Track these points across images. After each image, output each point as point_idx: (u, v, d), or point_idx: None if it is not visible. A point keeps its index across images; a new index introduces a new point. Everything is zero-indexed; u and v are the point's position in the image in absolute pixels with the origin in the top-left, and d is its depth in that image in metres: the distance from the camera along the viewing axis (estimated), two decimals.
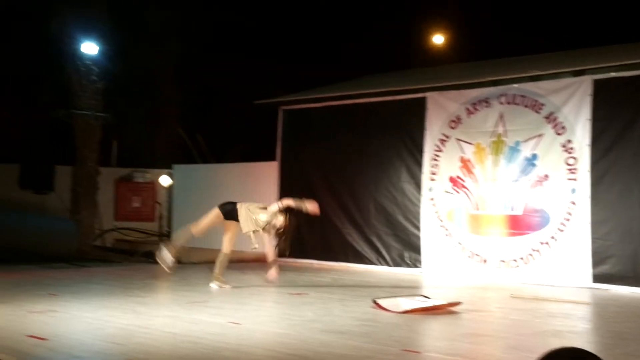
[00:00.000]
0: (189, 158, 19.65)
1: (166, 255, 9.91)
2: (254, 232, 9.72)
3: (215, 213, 9.94)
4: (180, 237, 10.29)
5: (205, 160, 19.41)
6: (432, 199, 12.32)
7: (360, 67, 18.84)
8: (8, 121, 26.93)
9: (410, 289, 9.89)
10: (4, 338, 5.85)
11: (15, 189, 17.36)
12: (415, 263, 12.43)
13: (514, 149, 11.44)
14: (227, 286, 9.84)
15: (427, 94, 12.54)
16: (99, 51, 17.46)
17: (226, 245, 10.06)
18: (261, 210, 9.81)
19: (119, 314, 7.34)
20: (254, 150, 19.61)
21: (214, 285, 9.85)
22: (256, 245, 9.77)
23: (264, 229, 9.71)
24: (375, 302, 7.93)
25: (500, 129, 11.62)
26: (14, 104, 26.28)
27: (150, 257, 15.85)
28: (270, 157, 15.08)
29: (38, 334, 6.05)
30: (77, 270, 12.85)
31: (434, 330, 7.14)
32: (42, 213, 17.07)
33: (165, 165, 19.15)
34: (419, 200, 12.50)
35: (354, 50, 22.83)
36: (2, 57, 23.82)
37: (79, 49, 17.30)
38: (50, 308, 7.53)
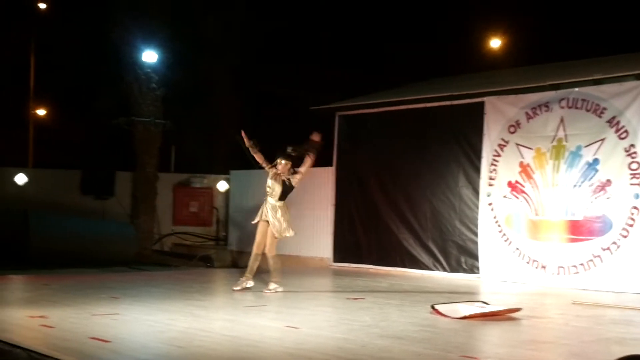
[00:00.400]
0: (245, 164, 19.80)
1: (245, 283, 9.85)
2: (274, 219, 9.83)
3: (262, 227, 9.96)
4: (252, 265, 9.96)
5: (262, 166, 19.49)
6: (490, 204, 12.18)
7: (417, 72, 18.76)
8: (70, 129, 27.60)
9: (468, 294, 9.79)
10: (68, 340, 5.97)
11: (77, 195, 17.75)
12: (472, 269, 12.30)
13: (575, 154, 11.24)
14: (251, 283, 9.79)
15: (485, 99, 12.41)
16: (159, 59, 17.75)
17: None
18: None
19: (178, 317, 7.43)
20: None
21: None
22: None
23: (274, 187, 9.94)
24: (433, 308, 7.88)
25: (561, 134, 11.42)
26: (76, 112, 26.93)
27: (207, 261, 16.06)
28: (325, 163, 15.10)
29: (101, 336, 6.15)
30: (137, 273, 13.08)
31: (493, 337, 7.06)
32: (102, 218, 17.41)
33: (222, 170, 19.36)
34: (476, 206, 12.37)
35: (410, 55, 22.75)
36: (64, 68, 24.43)
37: (139, 58, 17.62)
38: (113, 311, 7.66)
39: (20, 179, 17.72)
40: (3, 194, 17.09)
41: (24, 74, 23.45)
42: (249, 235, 16.25)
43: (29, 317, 7.09)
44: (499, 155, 12.14)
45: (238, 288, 9.76)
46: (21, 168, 19.38)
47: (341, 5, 24.09)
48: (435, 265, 12.81)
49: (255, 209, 16.71)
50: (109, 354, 5.60)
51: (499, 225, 12.03)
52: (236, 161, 20.15)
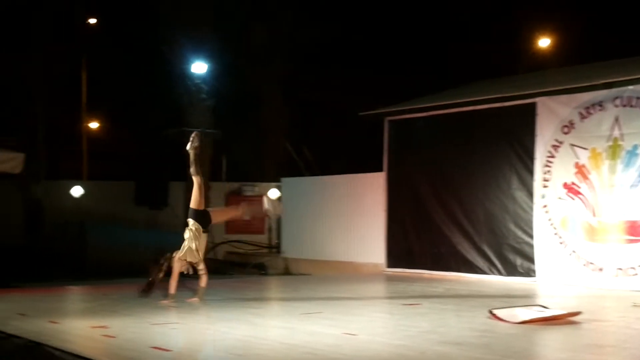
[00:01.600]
0: (296, 171, 19.90)
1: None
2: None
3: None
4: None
5: (312, 173, 19.59)
6: (545, 206, 12.01)
7: (465, 74, 18.64)
8: (123, 141, 28.08)
9: (526, 298, 9.68)
10: (130, 350, 6.05)
11: (131, 206, 18.03)
12: (528, 272, 12.14)
13: (632, 153, 11.02)
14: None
15: (537, 99, 12.25)
16: (208, 70, 17.94)
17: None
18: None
19: (236, 325, 7.48)
20: (358, 162, 19.67)
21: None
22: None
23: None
24: (491, 313, 7.79)
25: (617, 133, 11.20)
26: (129, 125, 27.40)
27: (261, 269, 16.16)
28: (376, 168, 15.09)
29: (161, 345, 6.22)
30: (192, 282, 13.18)
31: (554, 341, 6.94)
32: (157, 228, 17.65)
33: (273, 178, 19.48)
34: (531, 208, 12.21)
35: (458, 58, 22.61)
36: (115, 82, 24.87)
37: (189, 70, 17.84)
38: (171, 320, 7.76)
39: (77, 191, 18.09)
40: (60, 207, 17.46)
41: (76, 88, 23.93)
42: (302, 242, 16.39)
43: (90, 327, 7.22)
44: (553, 157, 11.97)
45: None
46: (77, 180, 19.79)
47: (388, 10, 24.08)
48: (490, 269, 12.68)
49: (307, 215, 16.92)
50: None
51: (554, 228, 11.85)
52: (286, 169, 20.30)
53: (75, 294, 11.09)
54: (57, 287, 11.95)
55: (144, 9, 20.87)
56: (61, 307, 9.30)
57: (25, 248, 16.40)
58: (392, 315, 8.76)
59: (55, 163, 22.36)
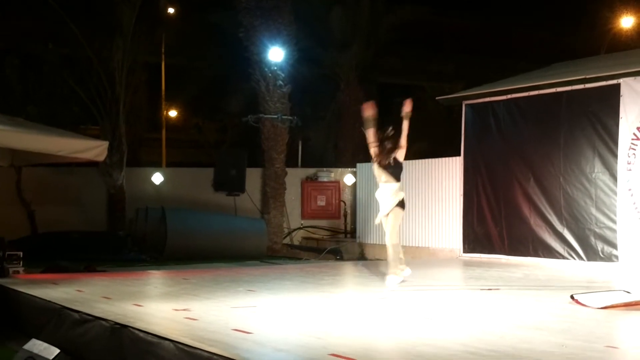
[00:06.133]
0: (371, 156, 19.86)
1: (395, 280, 9.19)
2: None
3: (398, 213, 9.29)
4: (393, 257, 9.30)
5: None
6: (629, 190, 11.67)
7: (545, 56, 18.25)
8: (201, 128, 28.54)
9: (608, 283, 9.45)
10: (212, 332, 6.16)
11: (210, 192, 18.34)
12: (610, 257, 11.84)
13: None
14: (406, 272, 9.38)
15: (621, 80, 11.88)
16: (285, 57, 18.02)
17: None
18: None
19: (314, 309, 7.55)
20: (434, 146, 19.51)
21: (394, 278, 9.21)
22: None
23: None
24: (573, 298, 7.64)
25: None
26: (206, 112, 27.84)
27: (336, 254, 16.23)
28: (453, 153, 14.94)
29: (242, 328, 6.32)
30: (269, 267, 13.36)
31: (638, 326, 6.77)
32: (234, 214, 17.91)
33: (347, 164, 19.50)
34: (614, 192, 11.89)
35: (538, 40, 22.16)
36: (193, 69, 25.25)
37: (266, 56, 17.95)
38: (250, 303, 7.86)
39: (157, 178, 18.50)
40: (141, 194, 17.89)
41: (157, 77, 24.42)
42: (376, 227, 16.36)
43: (173, 310, 7.38)
44: (638, 139, 11.62)
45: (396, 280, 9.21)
46: (157, 168, 20.24)
47: None
48: (570, 254, 12.42)
49: None
50: (252, 345, 5.74)
51: (639, 212, 11.52)
52: (362, 154, 20.28)
53: (156, 278, 11.36)
54: (140, 272, 12.28)
55: None
56: (144, 291, 9.54)
57: (107, 234, 16.89)
58: (470, 299, 8.68)
59: (136, 151, 22.89)
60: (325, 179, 19.16)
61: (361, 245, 16.90)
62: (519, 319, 6.80)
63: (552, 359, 5.05)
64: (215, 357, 5.17)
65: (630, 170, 11.68)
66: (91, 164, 15.80)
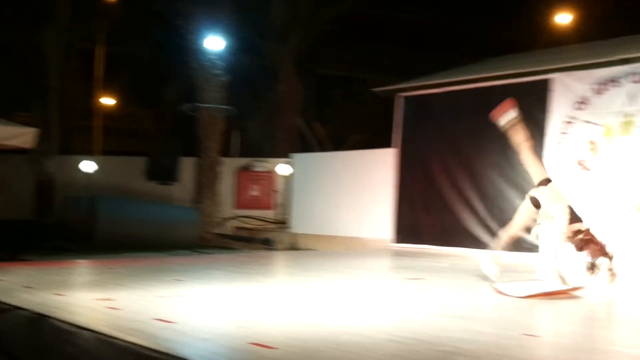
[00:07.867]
0: (307, 147, 19.90)
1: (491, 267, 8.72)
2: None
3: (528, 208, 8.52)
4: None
5: (323, 149, 19.60)
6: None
7: (480, 50, 18.51)
8: (136, 117, 28.12)
9: (530, 273, 9.63)
10: (134, 321, 6.07)
11: (143, 181, 18.11)
12: (533, 247, 12.07)
13: None
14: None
15: (553, 75, 12.12)
16: (222, 46, 17.87)
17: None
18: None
19: (241, 298, 7.51)
20: (371, 138, 19.61)
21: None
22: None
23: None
24: (494, 287, 7.78)
25: (630, 109, 11.10)
26: (142, 100, 27.43)
27: (268, 244, 16.22)
28: (386, 144, 15.05)
29: (166, 317, 6.24)
30: (199, 257, 13.26)
31: (557, 314, 6.92)
32: (166, 203, 17.73)
33: (284, 154, 19.49)
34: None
35: (474, 34, 22.44)
36: (129, 57, 24.86)
37: (203, 45, 17.78)
38: (177, 293, 7.77)
39: (87, 166, 18.17)
40: (72, 182, 17.57)
41: (91, 64, 23.97)
42: (310, 217, 16.40)
43: (96, 299, 7.25)
44: (565, 133, 11.87)
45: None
46: (89, 156, 19.88)
47: None
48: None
49: (316, 191, 16.84)
50: (173, 334, 5.67)
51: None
52: (298, 145, 20.29)
53: (82, 267, 11.15)
54: (66, 261, 12.03)
55: None
56: (68, 280, 9.34)
57: (35, 222, 16.54)
58: (394, 288, 8.76)
59: (69, 138, 22.45)
60: (259, 169, 19.12)
61: (294, 235, 16.92)
62: (441, 308, 6.88)
63: (468, 346, 5.12)
64: (134, 346, 5.09)
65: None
66: (20, 151, 15.43)
